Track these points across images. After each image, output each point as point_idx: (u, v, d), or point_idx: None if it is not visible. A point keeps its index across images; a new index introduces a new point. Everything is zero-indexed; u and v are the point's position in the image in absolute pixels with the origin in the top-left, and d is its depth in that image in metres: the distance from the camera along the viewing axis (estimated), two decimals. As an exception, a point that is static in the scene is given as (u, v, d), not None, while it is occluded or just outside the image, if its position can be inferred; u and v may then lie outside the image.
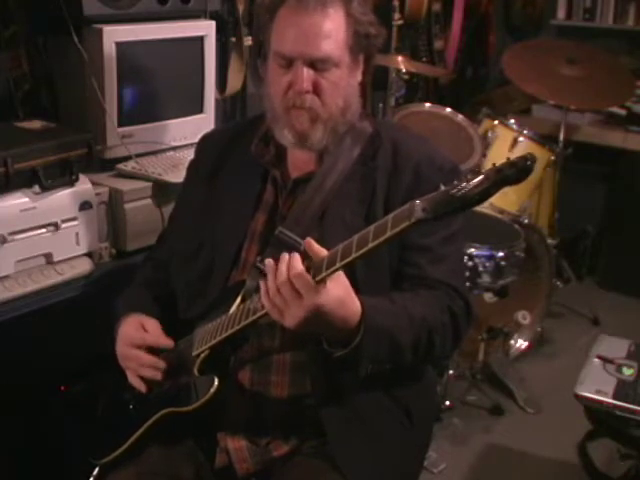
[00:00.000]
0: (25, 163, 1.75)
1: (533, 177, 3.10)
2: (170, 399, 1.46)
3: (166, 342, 1.47)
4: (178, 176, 1.91)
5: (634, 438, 2.10)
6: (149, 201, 2.02)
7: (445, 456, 2.55)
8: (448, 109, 3.13)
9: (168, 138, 2.20)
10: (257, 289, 1.30)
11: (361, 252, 1.16)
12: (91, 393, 1.66)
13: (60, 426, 1.72)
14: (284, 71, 1.41)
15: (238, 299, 1.40)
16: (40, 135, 1.88)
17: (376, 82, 3.33)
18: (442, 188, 1.08)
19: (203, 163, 1.63)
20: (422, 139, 1.56)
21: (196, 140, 1.73)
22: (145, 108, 2.15)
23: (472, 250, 2.66)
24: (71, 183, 1.85)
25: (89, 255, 1.91)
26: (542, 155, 3.18)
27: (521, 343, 3.16)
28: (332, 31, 1.39)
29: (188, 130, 2.22)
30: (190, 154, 1.75)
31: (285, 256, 1.23)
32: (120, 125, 2.05)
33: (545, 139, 3.25)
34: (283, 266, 1.22)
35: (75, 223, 1.85)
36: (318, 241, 1.26)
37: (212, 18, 2.32)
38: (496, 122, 3.17)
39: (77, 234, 1.86)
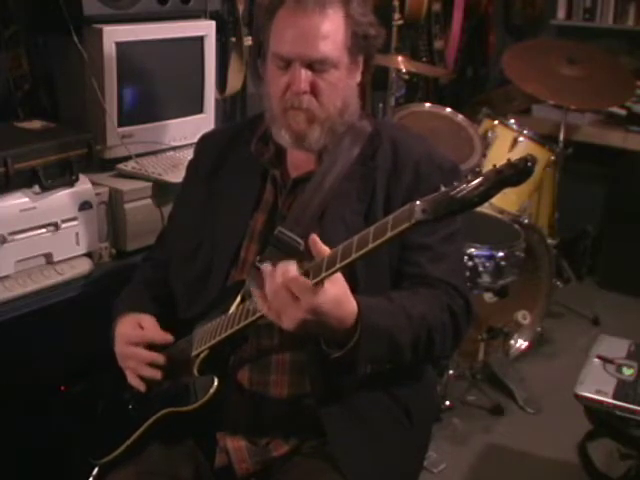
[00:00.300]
0: (25, 163, 1.75)
1: (533, 177, 3.06)
2: (170, 399, 1.46)
3: (164, 336, 1.47)
4: (178, 176, 1.91)
5: (634, 438, 2.10)
6: (149, 201, 2.02)
7: (445, 456, 2.55)
8: (448, 109, 3.13)
9: (168, 138, 2.20)
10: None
11: (361, 253, 1.16)
12: (91, 393, 1.66)
13: (60, 426, 1.72)
14: (282, 72, 1.42)
15: (237, 299, 1.41)
16: (40, 135, 1.88)
17: (376, 82, 3.33)
18: (442, 189, 1.08)
19: (202, 163, 1.63)
20: (421, 138, 1.56)
21: (196, 140, 1.73)
22: (145, 108, 2.15)
23: (472, 250, 2.66)
24: (71, 183, 1.85)
25: (89, 255, 1.91)
26: (542, 155, 3.18)
27: (521, 343, 3.16)
28: (330, 32, 1.39)
29: (188, 130, 2.22)
30: (190, 154, 1.75)
31: (281, 264, 1.23)
32: (120, 125, 2.05)
33: (545, 139, 3.25)
34: (277, 273, 1.22)
35: (75, 223, 1.85)
36: (318, 241, 1.27)
37: (212, 18, 2.32)
38: (496, 122, 3.17)
39: (77, 234, 1.86)
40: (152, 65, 2.12)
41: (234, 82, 2.75)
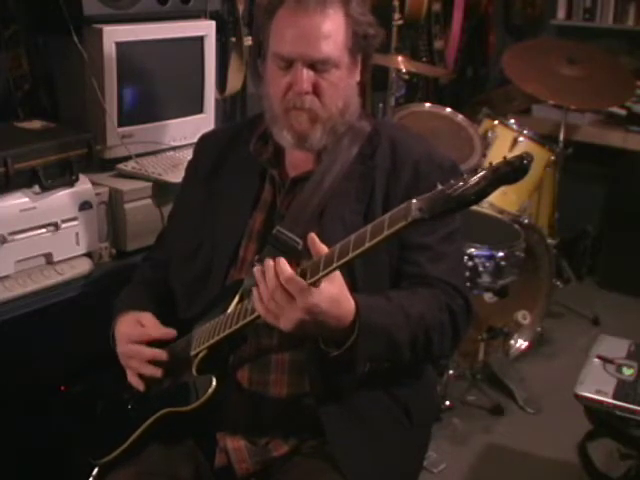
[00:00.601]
0: (25, 163, 1.75)
1: (533, 177, 3.11)
2: (169, 399, 1.46)
3: (166, 332, 1.47)
4: (178, 176, 1.91)
5: (634, 438, 2.10)
6: (149, 201, 2.02)
7: (445, 456, 2.55)
8: (448, 109, 3.13)
9: (168, 138, 2.20)
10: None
11: (358, 252, 1.16)
12: (91, 393, 1.66)
13: (60, 426, 1.72)
14: (283, 72, 1.42)
15: (236, 298, 1.41)
16: (40, 135, 1.88)
17: (376, 82, 3.33)
18: (439, 187, 1.08)
19: (202, 163, 1.63)
20: (421, 138, 1.56)
21: (196, 140, 1.73)
22: (145, 108, 2.15)
23: (472, 250, 2.66)
24: (71, 183, 1.85)
25: (89, 255, 1.91)
26: (542, 155, 3.18)
27: (521, 343, 3.16)
28: (332, 32, 1.39)
29: (188, 130, 2.22)
30: (190, 154, 1.75)
31: (270, 262, 1.23)
32: (120, 125, 2.05)
33: (545, 139, 3.25)
34: (270, 272, 1.22)
35: (75, 223, 1.85)
36: (316, 241, 1.27)
37: (212, 18, 2.32)
38: (496, 122, 3.17)
39: (77, 234, 1.86)
40: (152, 65, 2.12)
41: (234, 82, 2.75)
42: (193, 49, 2.24)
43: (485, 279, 2.67)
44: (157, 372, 1.46)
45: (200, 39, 2.24)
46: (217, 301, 1.45)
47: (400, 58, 3.13)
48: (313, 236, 1.23)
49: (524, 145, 3.14)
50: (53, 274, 1.81)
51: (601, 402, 2.01)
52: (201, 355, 1.42)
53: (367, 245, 1.15)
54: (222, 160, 1.59)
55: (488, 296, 2.77)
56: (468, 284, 2.61)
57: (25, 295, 1.75)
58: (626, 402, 1.99)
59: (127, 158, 2.06)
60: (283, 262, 1.22)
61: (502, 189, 1.08)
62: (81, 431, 1.66)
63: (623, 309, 3.64)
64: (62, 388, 1.72)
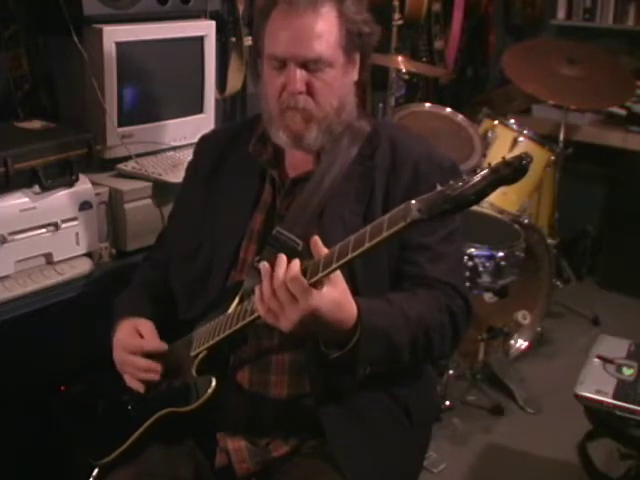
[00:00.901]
0: (25, 163, 1.75)
1: (533, 177, 3.11)
2: (169, 400, 1.46)
3: (159, 346, 1.47)
4: (178, 176, 1.91)
5: (634, 438, 2.10)
6: (149, 201, 2.02)
7: (445, 456, 2.55)
8: (448, 109, 3.13)
9: (168, 138, 2.20)
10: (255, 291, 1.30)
11: (357, 252, 1.16)
12: (91, 393, 1.66)
13: (60, 426, 1.72)
14: (278, 73, 1.42)
15: (236, 299, 1.41)
16: (40, 135, 1.88)
17: (376, 82, 3.34)
18: (438, 188, 1.08)
19: (202, 164, 1.63)
20: (420, 138, 1.56)
21: (196, 140, 1.73)
22: (145, 108, 2.15)
23: (472, 250, 2.66)
24: (71, 183, 1.85)
25: (89, 255, 1.91)
26: (542, 155, 3.18)
27: (521, 343, 3.16)
28: (324, 31, 1.39)
29: (188, 130, 2.22)
30: (190, 154, 1.75)
31: (283, 258, 1.23)
32: (120, 125, 2.05)
33: (545, 139, 3.25)
34: (280, 270, 1.21)
35: (75, 223, 1.85)
36: (316, 241, 1.27)
37: (212, 18, 2.32)
38: (496, 122, 3.17)
39: (77, 234, 1.86)
40: (152, 65, 2.12)
41: (234, 82, 2.75)
42: (193, 49, 2.24)
43: (485, 279, 2.67)
44: (154, 377, 1.46)
45: (200, 39, 2.24)
46: (217, 302, 1.45)
47: (400, 58, 3.13)
48: (316, 238, 1.23)
49: (524, 145, 3.14)
50: (53, 274, 1.81)
51: (601, 402, 2.01)
52: (201, 356, 1.42)
53: (366, 246, 1.15)
54: (222, 160, 1.59)
55: (488, 296, 2.76)
56: (468, 284, 2.61)
57: (25, 295, 1.75)
58: (626, 402, 1.99)
59: (127, 158, 2.06)
60: (295, 262, 1.21)
61: (502, 189, 1.08)
62: (81, 431, 1.66)
63: (623, 309, 3.64)
64: (62, 388, 1.72)
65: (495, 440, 2.72)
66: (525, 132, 3.16)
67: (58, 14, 1.94)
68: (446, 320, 1.41)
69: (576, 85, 3.31)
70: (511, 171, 1.06)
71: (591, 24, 4.21)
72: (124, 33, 2.02)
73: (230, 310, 1.39)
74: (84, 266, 1.88)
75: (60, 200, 1.82)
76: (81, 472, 1.60)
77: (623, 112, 3.73)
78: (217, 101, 2.46)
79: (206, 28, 2.26)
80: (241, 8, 2.70)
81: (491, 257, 2.66)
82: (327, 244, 1.23)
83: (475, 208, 1.11)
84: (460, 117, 3.09)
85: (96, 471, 1.58)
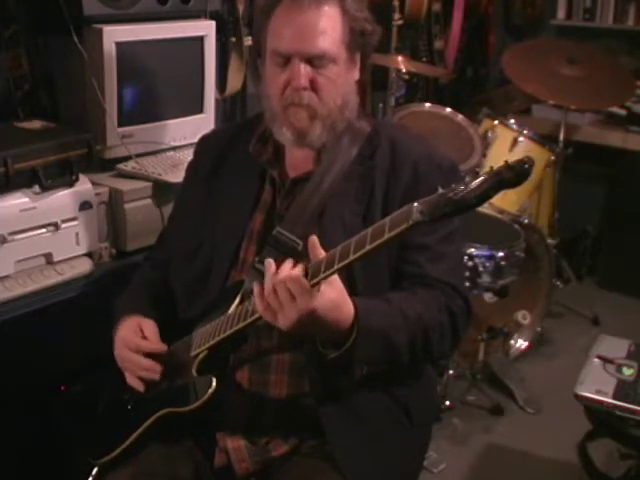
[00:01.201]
0: (25, 163, 1.75)
1: (533, 177, 3.10)
2: (169, 399, 1.46)
3: (160, 348, 1.47)
4: (178, 176, 1.91)
5: (634, 438, 2.10)
6: (149, 201, 2.02)
7: (445, 456, 2.55)
8: (448, 109, 3.13)
9: (168, 138, 2.20)
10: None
11: (359, 254, 1.16)
12: (91, 393, 1.66)
13: (60, 426, 1.72)
14: (281, 69, 1.42)
15: (237, 299, 1.41)
16: (40, 135, 1.88)
17: (376, 82, 3.33)
18: (440, 191, 1.09)
19: (202, 164, 1.63)
20: (420, 138, 1.56)
21: (196, 140, 1.73)
22: (145, 108, 2.15)
23: (472, 250, 2.66)
24: (71, 183, 1.85)
25: (89, 255, 1.91)
26: (542, 155, 3.18)
27: (521, 343, 3.16)
28: (328, 28, 1.40)
29: (188, 130, 2.22)
30: (190, 154, 1.75)
31: (289, 260, 1.24)
32: (120, 125, 2.05)
33: (545, 139, 3.24)
34: (284, 269, 1.22)
35: (75, 223, 1.85)
36: (316, 241, 1.27)
37: (212, 18, 2.32)
38: (496, 122, 3.17)
39: (77, 234, 1.86)
40: (152, 65, 2.12)
41: (234, 82, 2.75)
42: (193, 49, 2.24)
43: (485, 279, 2.67)
44: (154, 377, 1.46)
45: (200, 39, 2.24)
46: (217, 302, 1.45)
47: (400, 58, 3.13)
48: (314, 239, 1.23)
49: (524, 145, 3.14)
50: (53, 274, 1.81)
51: (601, 402, 2.01)
52: (201, 356, 1.42)
53: (368, 248, 1.15)
54: (222, 160, 1.59)
55: (488, 296, 2.76)
56: (468, 284, 2.61)
57: (25, 295, 1.75)
58: (626, 402, 1.99)
59: (127, 158, 2.06)
60: (299, 266, 1.22)
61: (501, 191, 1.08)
62: (81, 431, 1.66)
63: (623, 309, 3.64)
64: (62, 388, 1.72)
65: (495, 440, 2.72)
66: (525, 132, 3.16)
67: (58, 14, 1.94)
68: (445, 320, 1.41)
69: (576, 85, 3.31)
70: (513, 175, 1.05)
71: (591, 24, 4.21)
72: (124, 33, 2.02)
73: (230, 310, 1.39)
74: (84, 266, 1.88)
75: (60, 200, 1.82)
76: (81, 471, 1.60)
77: (623, 112, 3.73)
78: (217, 101, 2.46)
79: (206, 28, 2.26)
80: (241, 8, 2.70)
81: (491, 257, 2.66)
82: (327, 244, 1.23)
83: (475, 209, 1.11)
84: (460, 117, 3.09)
85: (95, 470, 1.58)
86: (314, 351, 1.33)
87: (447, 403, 2.79)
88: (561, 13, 4.31)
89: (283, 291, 1.21)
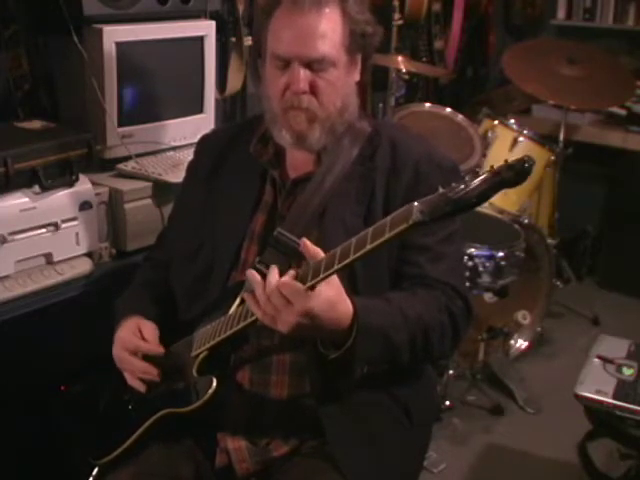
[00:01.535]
0: (25, 163, 1.75)
1: (533, 177, 3.10)
2: (169, 400, 1.46)
3: (157, 350, 1.47)
4: (178, 176, 1.91)
5: (634, 438, 2.10)
6: (149, 201, 2.02)
7: (445, 456, 2.55)
8: (448, 109, 3.13)
9: (168, 138, 2.20)
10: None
11: (359, 254, 1.16)
12: (91, 393, 1.66)
13: (60, 426, 1.72)
14: (281, 72, 1.42)
15: (237, 300, 1.40)
16: (40, 135, 1.88)
17: (376, 82, 3.33)
18: (440, 190, 1.09)
19: (202, 164, 1.63)
20: (421, 138, 1.56)
21: (196, 140, 1.73)
22: (145, 108, 2.15)
23: (472, 250, 2.66)
24: (71, 183, 1.85)
25: (89, 255, 1.91)
26: (542, 155, 3.18)
27: (521, 343, 3.16)
28: (328, 31, 1.39)
29: (188, 130, 2.22)
30: (190, 154, 1.75)
31: (274, 268, 1.24)
32: (120, 125, 2.05)
33: (545, 139, 3.24)
34: (272, 277, 1.23)
35: (75, 223, 1.85)
36: (317, 241, 1.27)
37: (212, 18, 2.32)
38: (496, 122, 3.17)
39: (77, 234, 1.86)
40: (152, 65, 2.12)
41: (234, 82, 2.75)
42: (193, 49, 2.24)
43: (485, 279, 2.67)
44: (149, 379, 1.46)
45: (200, 39, 2.24)
46: (218, 303, 1.45)
47: (400, 58, 3.13)
48: (305, 241, 1.23)
49: (524, 145, 3.14)
50: (53, 274, 1.81)
51: (601, 402, 2.01)
52: (202, 356, 1.42)
53: (368, 247, 1.15)
54: (222, 160, 1.59)
55: (488, 296, 2.77)
56: (468, 284, 2.61)
57: (25, 295, 1.75)
58: (626, 402, 1.99)
59: (127, 158, 2.06)
60: (289, 272, 1.23)
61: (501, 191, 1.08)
62: (81, 431, 1.66)
63: (623, 309, 3.64)
64: (62, 388, 1.72)
65: (495, 440, 2.72)
66: (525, 132, 3.16)
67: (58, 14, 1.94)
68: (446, 320, 1.41)
69: (576, 85, 3.31)
70: (513, 174, 1.05)
71: (591, 24, 4.21)
72: (124, 33, 2.02)
73: (231, 311, 1.39)
74: (84, 266, 1.88)
75: (60, 200, 1.82)
76: (81, 471, 1.60)
77: (623, 112, 3.73)
78: (217, 101, 2.46)
79: (206, 28, 2.26)
80: (241, 8, 2.70)
81: (491, 257, 2.66)
82: (328, 245, 1.23)
83: (475, 208, 1.11)
84: (460, 117, 3.09)
85: (96, 470, 1.58)
86: (315, 351, 1.33)
87: (447, 403, 2.79)
88: (561, 13, 4.31)
89: (278, 297, 1.21)
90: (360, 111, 1.53)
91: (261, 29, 1.46)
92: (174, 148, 2.21)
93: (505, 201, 3.01)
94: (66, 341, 1.80)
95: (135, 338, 1.48)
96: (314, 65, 1.40)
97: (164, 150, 2.19)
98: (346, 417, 1.42)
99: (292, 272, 1.23)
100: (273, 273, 1.24)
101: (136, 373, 1.47)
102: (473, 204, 1.07)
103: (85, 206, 1.87)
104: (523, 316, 3.02)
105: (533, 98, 3.65)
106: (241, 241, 1.50)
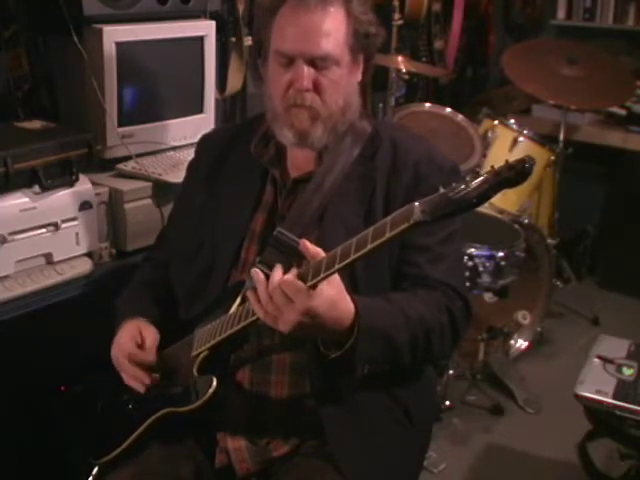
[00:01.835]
0: (25, 163, 1.75)
1: (533, 177, 3.09)
2: (169, 399, 1.46)
3: (150, 359, 1.47)
4: (178, 176, 1.91)
5: (634, 438, 2.10)
6: (149, 201, 2.02)
7: (445, 456, 2.55)
8: (448, 109, 3.13)
9: (168, 138, 2.20)
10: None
11: (360, 254, 1.16)
12: (91, 393, 1.66)
13: (60, 426, 1.72)
14: (284, 70, 1.42)
15: (238, 299, 1.41)
16: (40, 135, 1.88)
17: (376, 82, 3.33)
18: (441, 190, 1.09)
19: (203, 163, 1.63)
20: (421, 139, 1.56)
21: (196, 140, 1.73)
22: (145, 108, 2.15)
23: (472, 250, 2.66)
24: (71, 183, 1.85)
25: (89, 255, 1.91)
26: (542, 155, 3.18)
27: (521, 343, 3.16)
28: (332, 29, 1.39)
29: (188, 130, 2.22)
30: (190, 154, 1.75)
31: (278, 266, 1.24)
32: (120, 125, 2.05)
33: (545, 139, 3.25)
34: (276, 275, 1.23)
35: (75, 223, 1.85)
36: (317, 241, 1.27)
37: (212, 18, 2.32)
38: (496, 122, 3.17)
39: (77, 234, 1.86)
40: (152, 65, 2.12)
41: (234, 82, 2.75)
42: (193, 49, 2.24)
43: (485, 279, 2.67)
44: (140, 388, 1.46)
45: (200, 39, 2.24)
46: (219, 302, 1.45)
47: (400, 58, 3.13)
48: (304, 242, 1.24)
49: (524, 145, 3.14)
50: (53, 274, 1.81)
51: (601, 402, 2.01)
52: (202, 356, 1.42)
53: (369, 247, 1.15)
54: (223, 160, 1.59)
55: (488, 296, 2.76)
56: (468, 284, 2.61)
57: (25, 295, 1.75)
58: (626, 402, 1.99)
59: (127, 158, 2.06)
60: (292, 270, 1.22)
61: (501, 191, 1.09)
62: (81, 431, 1.66)
63: (623, 309, 3.64)
64: (62, 388, 1.72)
65: (495, 440, 2.72)
66: (525, 132, 3.16)
67: (58, 14, 1.94)
68: (446, 320, 1.41)
69: (576, 85, 3.31)
70: (513, 174, 1.06)
71: (591, 24, 4.22)
72: (124, 33, 2.02)
73: (232, 310, 1.39)
74: (84, 266, 1.88)
75: (60, 200, 1.82)
76: (81, 472, 1.60)
77: (623, 112, 3.73)
78: (217, 101, 2.46)
79: (206, 28, 2.26)
80: (241, 8, 2.70)
81: (491, 257, 2.66)
82: (328, 245, 1.23)
83: (476, 208, 1.11)
84: (460, 117, 3.09)
85: (96, 470, 1.58)
86: (315, 351, 1.33)
87: (447, 403, 2.79)
88: (561, 13, 4.31)
89: (279, 296, 1.21)
90: (361, 111, 1.53)
91: (264, 27, 1.46)
92: (174, 148, 2.21)
93: (505, 201, 3.01)
94: (66, 341, 1.80)
95: (131, 345, 1.48)
96: (318, 63, 1.40)
97: (164, 150, 2.19)
98: (346, 417, 1.42)
99: (295, 270, 1.23)
100: (277, 271, 1.23)
101: (129, 378, 1.48)
102: (474, 204, 1.07)
103: (85, 206, 1.87)
104: (523, 316, 3.02)
105: (533, 98, 3.65)
106: (241, 240, 1.50)
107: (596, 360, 2.17)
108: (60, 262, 1.84)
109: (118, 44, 2.00)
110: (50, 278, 1.80)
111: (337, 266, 1.18)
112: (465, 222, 1.50)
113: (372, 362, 1.38)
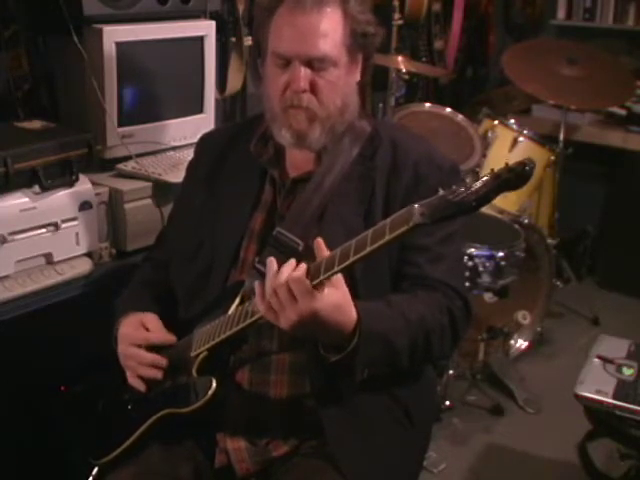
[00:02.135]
0: (25, 163, 1.75)
1: (533, 177, 3.10)
2: (169, 400, 1.46)
3: (167, 337, 1.47)
4: (178, 176, 1.91)
5: (634, 438, 2.10)
6: (149, 201, 2.02)
7: (445, 456, 2.55)
8: (448, 109, 3.13)
9: (168, 138, 2.20)
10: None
11: (359, 256, 1.16)
12: (91, 393, 1.66)
13: (60, 426, 1.72)
14: (282, 71, 1.42)
15: (237, 300, 1.41)
16: (40, 135, 1.88)
17: (376, 82, 3.34)
18: (440, 192, 1.09)
19: (202, 163, 1.63)
20: (421, 139, 1.56)
21: (196, 140, 1.73)
22: (145, 108, 2.15)
23: (472, 250, 2.66)
24: (71, 183, 1.85)
25: (89, 255, 1.91)
26: (542, 155, 3.18)
27: (521, 343, 3.16)
28: (329, 30, 1.39)
29: (188, 130, 2.22)
30: (190, 154, 1.75)
31: (292, 261, 1.23)
32: (120, 125, 2.05)
33: (545, 139, 3.25)
34: (286, 269, 1.22)
35: (75, 223, 1.85)
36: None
37: (212, 18, 2.32)
38: (496, 122, 3.17)
39: (77, 234, 1.86)
40: (152, 65, 2.12)
41: (234, 82, 2.75)
42: (193, 49, 2.24)
43: (485, 279, 2.67)
44: (157, 374, 1.46)
45: (200, 39, 2.24)
46: (218, 302, 1.44)
47: (400, 58, 3.13)
48: (320, 241, 1.23)
49: (524, 145, 3.14)
50: (53, 274, 1.81)
51: (601, 402, 2.01)
52: (201, 356, 1.42)
53: (368, 249, 1.15)
54: (222, 160, 1.59)
55: (488, 296, 2.76)
56: (468, 284, 2.61)
57: (25, 295, 1.75)
58: (626, 402, 1.99)
59: (127, 158, 2.06)
60: (302, 265, 1.22)
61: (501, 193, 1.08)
62: (81, 431, 1.66)
63: (623, 309, 3.64)
64: (62, 388, 1.72)
65: (495, 440, 2.72)
66: (525, 132, 3.16)
67: (58, 14, 1.94)
68: (446, 321, 1.41)
69: (576, 85, 3.32)
70: (513, 177, 1.06)
71: (591, 24, 4.22)
72: (124, 33, 2.02)
73: (231, 311, 1.39)
74: (84, 266, 1.88)
75: (60, 200, 1.82)
76: (81, 472, 1.60)
77: (623, 112, 3.73)
78: (217, 101, 2.46)
79: (206, 28, 2.26)
80: (241, 8, 2.70)
81: (491, 257, 2.66)
82: (327, 245, 1.23)
83: (476, 211, 1.11)
84: (460, 117, 3.09)
85: (96, 470, 1.58)
86: (315, 351, 1.33)
87: (447, 403, 2.79)
88: (561, 13, 4.31)
89: (284, 292, 1.21)
90: (360, 111, 1.53)
91: (262, 27, 1.46)
92: (174, 148, 2.21)
93: (505, 201, 3.01)
94: (66, 341, 1.80)
95: (142, 331, 1.48)
96: (315, 64, 1.40)
97: (164, 150, 2.19)
98: (346, 417, 1.41)
99: (304, 266, 1.22)
100: (287, 267, 1.22)
101: (142, 367, 1.46)
102: (474, 207, 1.07)
103: (85, 206, 1.87)
104: (523, 316, 3.02)
105: (533, 98, 3.65)
106: (240, 240, 1.50)
107: (596, 360, 2.17)
108: (60, 262, 1.84)
109: (118, 44, 2.00)
110: (50, 278, 1.80)
111: (336, 268, 1.18)
112: (465, 222, 1.49)
113: (372, 366, 1.37)
